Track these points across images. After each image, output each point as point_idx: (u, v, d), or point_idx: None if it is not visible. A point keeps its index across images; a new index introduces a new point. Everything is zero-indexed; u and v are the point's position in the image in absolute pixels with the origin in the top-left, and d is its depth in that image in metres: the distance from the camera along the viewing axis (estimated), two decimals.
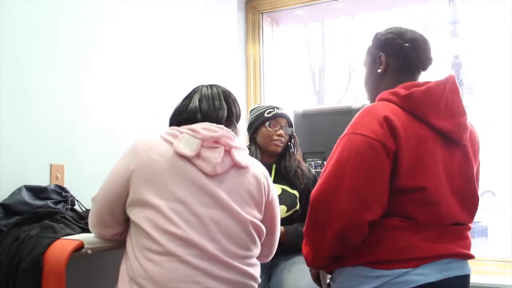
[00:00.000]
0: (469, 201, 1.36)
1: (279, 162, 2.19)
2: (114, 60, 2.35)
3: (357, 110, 2.70)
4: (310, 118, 2.86)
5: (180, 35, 2.88)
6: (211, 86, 1.56)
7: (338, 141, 1.33)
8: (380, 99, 1.36)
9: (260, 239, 1.46)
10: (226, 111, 1.50)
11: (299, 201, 2.10)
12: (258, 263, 1.46)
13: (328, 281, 1.44)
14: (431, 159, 1.28)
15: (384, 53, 1.44)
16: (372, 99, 1.47)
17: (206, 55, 3.11)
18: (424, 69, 1.45)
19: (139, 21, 2.54)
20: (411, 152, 1.24)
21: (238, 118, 1.58)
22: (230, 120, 1.52)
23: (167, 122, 1.56)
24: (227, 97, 1.54)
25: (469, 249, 1.36)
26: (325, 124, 2.81)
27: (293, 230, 2.02)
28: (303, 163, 2.23)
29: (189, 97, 1.53)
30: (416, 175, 1.25)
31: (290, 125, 2.22)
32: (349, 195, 1.22)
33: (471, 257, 1.34)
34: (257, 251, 1.45)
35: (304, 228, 1.36)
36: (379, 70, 1.44)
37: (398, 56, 1.42)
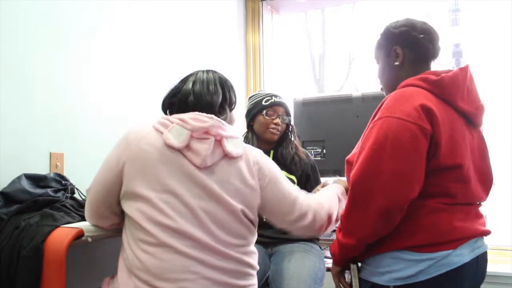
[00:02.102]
0: (486, 180, 1.46)
1: (276, 149, 2.20)
2: (114, 48, 2.34)
3: (357, 98, 2.73)
4: (310, 107, 2.85)
5: (180, 22, 2.86)
6: (207, 71, 1.52)
7: (371, 124, 1.38)
8: (407, 85, 1.41)
9: (255, 226, 1.44)
10: (220, 97, 1.46)
11: (298, 186, 2.10)
12: (256, 251, 1.45)
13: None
14: (461, 139, 1.37)
15: (399, 46, 1.49)
16: (391, 90, 1.51)
17: (206, 43, 3.09)
18: (436, 58, 1.52)
19: (139, 10, 2.52)
20: (447, 133, 1.32)
21: (232, 105, 1.53)
22: (223, 107, 1.48)
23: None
24: (223, 83, 1.50)
25: (485, 226, 1.44)
26: (325, 112, 2.80)
27: None
28: (301, 149, 2.24)
29: (184, 80, 1.50)
30: (453, 154, 1.33)
31: (287, 113, 2.22)
32: (388, 175, 1.27)
33: (489, 233, 1.42)
34: (253, 238, 1.43)
35: (342, 213, 1.38)
36: (396, 63, 1.50)
37: (413, 47, 1.48)
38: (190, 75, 1.52)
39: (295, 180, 2.13)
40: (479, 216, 1.44)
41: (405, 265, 1.29)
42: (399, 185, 1.27)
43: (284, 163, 2.15)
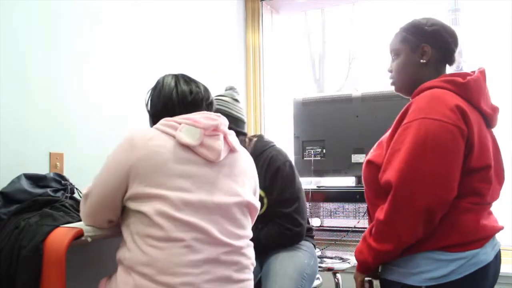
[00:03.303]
0: (500, 180, 1.48)
1: None
2: (114, 48, 2.34)
3: (357, 98, 2.74)
4: (310, 106, 2.86)
5: (180, 22, 2.86)
6: (172, 76, 1.52)
7: (402, 126, 1.35)
8: (431, 87, 1.40)
9: (252, 218, 1.51)
10: (209, 93, 1.53)
11: (266, 198, 1.96)
12: (252, 244, 1.49)
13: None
14: (486, 140, 1.39)
15: (429, 44, 1.48)
16: (409, 87, 1.50)
17: (206, 43, 3.09)
18: (453, 64, 1.53)
19: (140, 9, 2.52)
20: (477, 134, 1.34)
21: None
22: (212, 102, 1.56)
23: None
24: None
25: (498, 222, 1.46)
26: (325, 112, 2.81)
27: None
28: (269, 152, 2.00)
29: (173, 85, 1.49)
30: (483, 155, 1.36)
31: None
32: (431, 176, 1.28)
33: (502, 228, 1.45)
34: (250, 231, 1.49)
35: (382, 218, 1.33)
36: (422, 60, 1.48)
37: (441, 48, 1.49)
38: (173, 80, 1.50)
39: (263, 193, 1.94)
40: (492, 213, 1.47)
41: (438, 265, 1.30)
42: (441, 186, 1.28)
43: None
